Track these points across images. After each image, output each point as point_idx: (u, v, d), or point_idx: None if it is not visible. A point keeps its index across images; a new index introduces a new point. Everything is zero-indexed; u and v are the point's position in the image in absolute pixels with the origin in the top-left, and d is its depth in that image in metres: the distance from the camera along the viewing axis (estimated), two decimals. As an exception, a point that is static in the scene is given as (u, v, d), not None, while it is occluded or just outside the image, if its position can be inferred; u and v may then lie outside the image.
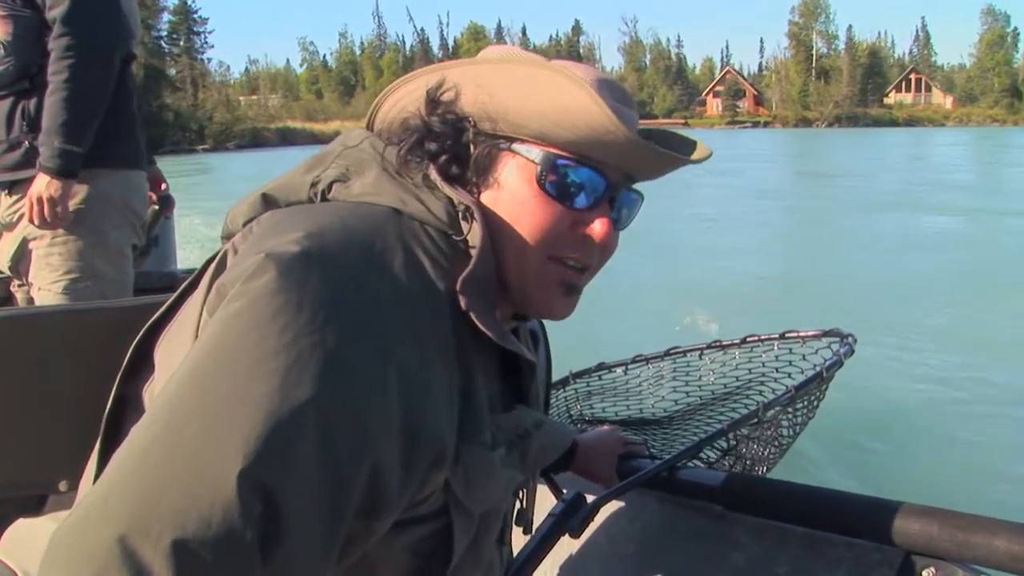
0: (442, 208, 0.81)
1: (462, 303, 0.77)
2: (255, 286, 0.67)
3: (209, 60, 72.61)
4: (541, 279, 0.86)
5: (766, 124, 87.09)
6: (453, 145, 0.84)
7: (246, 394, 0.62)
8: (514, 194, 0.84)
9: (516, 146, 0.85)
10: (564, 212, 0.84)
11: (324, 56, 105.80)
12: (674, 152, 0.87)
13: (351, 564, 0.74)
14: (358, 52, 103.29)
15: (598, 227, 0.85)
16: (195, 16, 70.37)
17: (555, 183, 0.84)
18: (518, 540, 1.12)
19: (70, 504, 1.01)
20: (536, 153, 0.84)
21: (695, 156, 0.90)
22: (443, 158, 0.84)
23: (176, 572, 0.56)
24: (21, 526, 0.95)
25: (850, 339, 1.41)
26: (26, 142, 2.18)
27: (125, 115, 2.31)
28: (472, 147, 0.85)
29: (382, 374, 0.69)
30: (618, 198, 0.88)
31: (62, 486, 1.07)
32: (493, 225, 0.84)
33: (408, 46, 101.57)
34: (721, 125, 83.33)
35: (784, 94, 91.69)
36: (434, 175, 0.83)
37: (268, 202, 0.86)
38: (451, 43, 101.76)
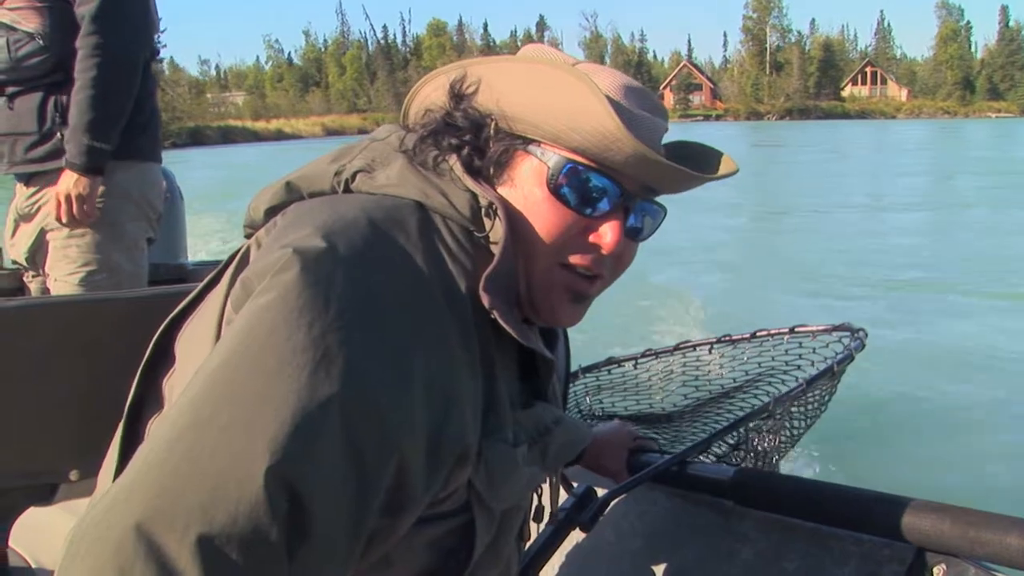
0: (465, 203, 0.81)
1: (485, 301, 0.77)
2: (282, 280, 0.67)
3: (162, 60, 72.52)
4: (548, 284, 0.85)
5: (718, 117, 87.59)
6: (473, 139, 0.84)
7: (274, 390, 0.62)
8: (526, 195, 0.83)
9: (532, 147, 0.84)
10: (574, 218, 0.83)
11: (288, 54, 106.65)
12: (692, 167, 0.84)
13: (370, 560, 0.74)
14: (322, 50, 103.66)
15: (608, 235, 0.84)
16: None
17: (566, 187, 0.82)
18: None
19: (81, 493, 1.02)
20: (550, 156, 0.83)
21: (719, 172, 0.89)
22: (465, 151, 0.83)
23: (202, 567, 0.56)
24: (32, 515, 0.96)
25: (861, 333, 1.40)
26: (59, 134, 2.18)
27: (146, 109, 2.32)
28: (491, 144, 0.84)
29: (407, 373, 0.69)
30: (633, 208, 0.86)
31: (73, 475, 1.07)
32: (508, 224, 0.83)
33: (370, 43, 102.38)
34: (674, 118, 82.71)
35: (739, 88, 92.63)
36: (458, 168, 0.82)
37: (291, 190, 0.85)
38: (412, 39, 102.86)
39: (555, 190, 0.82)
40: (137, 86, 2.22)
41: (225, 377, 0.64)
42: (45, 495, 1.09)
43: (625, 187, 0.84)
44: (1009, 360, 5.42)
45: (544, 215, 0.83)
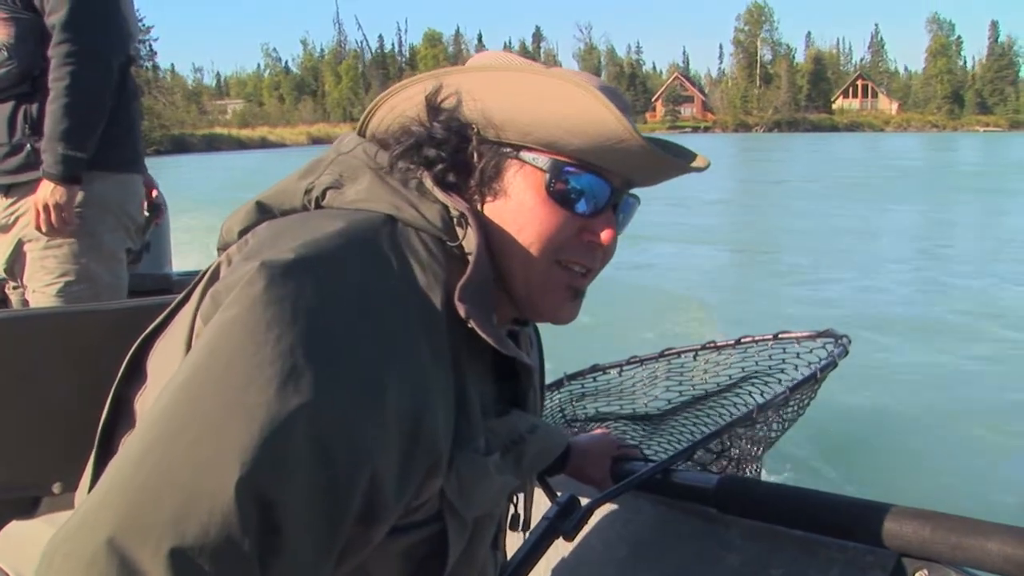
0: (437, 214, 0.81)
1: (461, 311, 0.77)
2: (250, 293, 0.67)
3: (155, 67, 72.79)
4: (547, 284, 0.87)
5: (706, 129, 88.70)
6: (454, 152, 0.84)
7: (242, 403, 0.62)
8: (521, 202, 0.84)
9: (523, 154, 0.85)
10: (571, 218, 0.85)
11: (286, 62, 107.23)
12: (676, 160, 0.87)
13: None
14: (319, 59, 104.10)
15: (604, 233, 0.87)
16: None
17: (564, 190, 0.84)
18: (512, 542, 1.12)
19: (64, 506, 1.01)
20: (544, 161, 0.84)
21: (695, 164, 0.91)
22: (440, 166, 0.83)
23: None
24: (15, 528, 0.95)
25: (844, 340, 1.41)
26: (28, 145, 2.18)
27: (125, 119, 2.30)
28: (477, 155, 0.85)
29: (378, 383, 0.69)
30: (620, 204, 0.89)
31: (56, 488, 1.07)
32: (497, 233, 0.84)
33: (366, 53, 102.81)
34: (663, 130, 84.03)
35: (728, 100, 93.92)
36: (428, 182, 0.83)
37: (263, 210, 0.86)
38: (408, 49, 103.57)
39: (552, 193, 0.84)
40: (112, 91, 2.21)
41: (194, 389, 0.64)
42: (28, 508, 1.08)
43: (613, 184, 0.87)
44: (999, 361, 5.46)
45: (542, 219, 0.84)
